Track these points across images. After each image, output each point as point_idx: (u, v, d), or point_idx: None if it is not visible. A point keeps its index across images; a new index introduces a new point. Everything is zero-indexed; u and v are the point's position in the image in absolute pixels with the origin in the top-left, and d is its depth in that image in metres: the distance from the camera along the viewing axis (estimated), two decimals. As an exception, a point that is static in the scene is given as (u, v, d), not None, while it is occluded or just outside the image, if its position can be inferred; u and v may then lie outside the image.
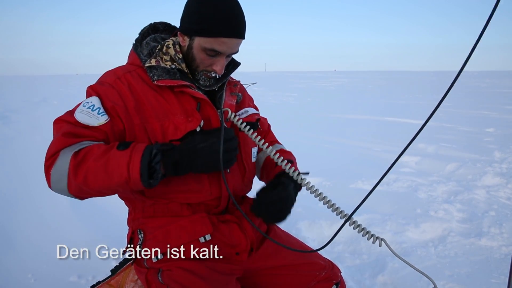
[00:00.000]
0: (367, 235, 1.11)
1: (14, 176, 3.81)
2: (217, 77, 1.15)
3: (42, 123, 7.39)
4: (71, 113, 1.07)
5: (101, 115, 1.04)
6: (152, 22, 1.24)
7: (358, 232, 1.12)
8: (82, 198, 1.04)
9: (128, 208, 1.24)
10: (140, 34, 1.21)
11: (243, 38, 1.10)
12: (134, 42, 1.20)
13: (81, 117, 1.03)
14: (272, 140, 1.45)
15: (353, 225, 1.13)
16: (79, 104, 1.08)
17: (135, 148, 0.97)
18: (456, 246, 2.39)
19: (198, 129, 1.09)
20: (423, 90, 17.47)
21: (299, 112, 9.08)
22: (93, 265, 2.10)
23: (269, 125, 1.47)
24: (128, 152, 0.96)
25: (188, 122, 1.08)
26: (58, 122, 1.07)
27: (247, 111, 1.29)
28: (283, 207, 1.13)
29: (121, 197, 1.22)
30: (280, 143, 1.46)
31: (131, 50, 1.19)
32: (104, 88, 1.09)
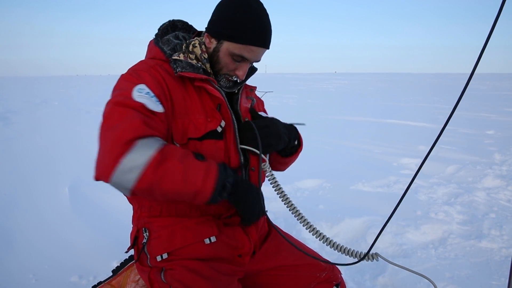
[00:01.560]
0: (363, 257, 1.11)
1: (15, 177, 3.81)
2: (238, 81, 1.17)
3: (43, 124, 7.40)
4: (127, 97, 0.97)
5: (159, 104, 1.01)
6: (171, 19, 1.26)
7: (354, 257, 1.13)
8: (135, 195, 0.95)
9: (133, 207, 1.23)
10: (159, 29, 1.23)
11: (269, 48, 1.14)
12: (154, 37, 1.21)
13: (146, 101, 0.97)
14: None
15: (345, 251, 1.13)
16: (128, 90, 0.98)
17: (211, 163, 0.97)
18: (456, 248, 2.39)
19: (219, 129, 1.10)
20: (423, 92, 17.50)
21: (299, 114, 9.09)
22: (94, 265, 2.10)
23: None
24: (206, 165, 0.95)
25: (208, 122, 1.09)
26: (119, 105, 0.95)
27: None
28: (274, 132, 1.15)
29: (127, 196, 1.22)
30: None
31: (151, 44, 1.20)
32: (144, 77, 1.04)
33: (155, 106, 0.99)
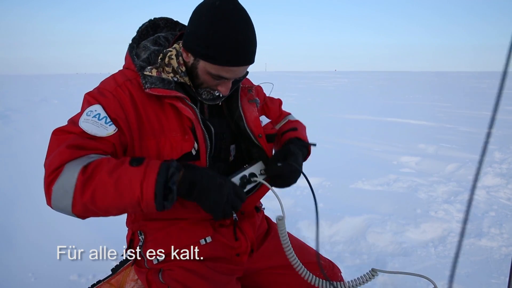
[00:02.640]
0: (365, 281, 1.10)
1: (14, 175, 3.81)
2: (221, 96, 1.10)
3: (43, 123, 7.39)
4: (73, 122, 0.95)
5: (109, 125, 0.95)
6: (152, 18, 1.15)
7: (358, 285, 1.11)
8: (83, 218, 0.92)
9: None
10: (138, 32, 1.13)
11: (252, 63, 1.02)
12: (130, 42, 1.11)
13: (88, 126, 0.93)
14: (281, 113, 1.44)
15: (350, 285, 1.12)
16: (80, 113, 0.97)
17: (149, 165, 0.87)
18: (456, 246, 2.39)
19: (193, 152, 1.03)
20: (423, 91, 17.48)
21: (299, 112, 9.04)
22: (93, 264, 2.09)
23: (280, 103, 1.46)
24: (142, 169, 0.86)
25: (184, 141, 1.02)
26: (58, 133, 0.94)
27: (261, 122, 1.23)
28: (292, 178, 1.12)
29: None
30: (289, 113, 1.46)
31: (127, 52, 1.10)
32: (105, 98, 0.99)
33: (100, 130, 0.94)
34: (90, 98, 1.00)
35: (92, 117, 0.95)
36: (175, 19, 1.20)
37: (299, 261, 1.08)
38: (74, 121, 0.96)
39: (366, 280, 1.10)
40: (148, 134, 1.01)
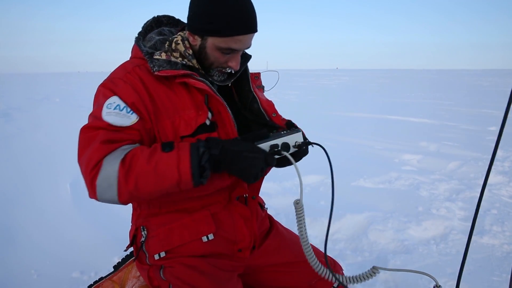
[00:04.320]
0: (366, 278, 1.10)
1: (16, 173, 3.82)
2: (232, 72, 1.14)
3: (44, 121, 7.41)
4: (97, 118, 0.99)
5: (131, 114, 1.00)
6: (156, 16, 1.20)
7: (357, 282, 1.11)
8: (126, 204, 1.00)
9: (132, 205, 1.23)
10: (143, 27, 1.18)
11: (257, 31, 1.06)
12: (136, 36, 1.16)
13: (112, 119, 0.98)
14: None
15: (348, 281, 1.11)
16: (99, 107, 1.01)
17: (180, 148, 0.94)
18: (457, 244, 2.39)
19: (207, 122, 1.06)
20: (425, 88, 17.44)
21: (300, 110, 9.07)
22: (95, 261, 2.11)
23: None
24: (175, 154, 0.93)
25: (198, 116, 1.06)
26: (87, 131, 0.99)
27: None
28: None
29: None
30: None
31: (134, 43, 1.15)
32: (118, 86, 1.03)
33: (125, 120, 0.99)
34: (105, 90, 1.03)
35: (113, 109, 0.99)
36: (176, 17, 1.24)
37: (311, 248, 1.09)
38: (96, 116, 1.00)
39: (367, 277, 1.10)
40: (162, 115, 1.05)
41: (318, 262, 1.08)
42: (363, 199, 3.08)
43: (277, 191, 3.28)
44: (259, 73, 1.31)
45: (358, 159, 4.47)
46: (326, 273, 1.08)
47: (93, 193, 0.94)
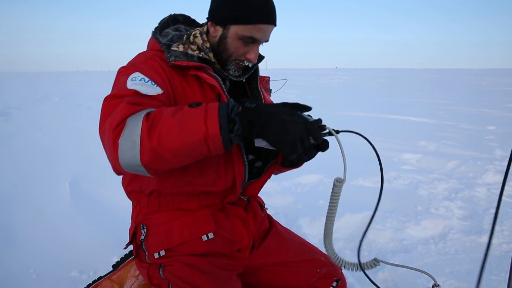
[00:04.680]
0: (368, 267, 1.11)
1: (15, 172, 3.81)
2: (249, 66, 1.15)
3: (43, 120, 7.40)
4: (121, 88, 0.97)
5: (156, 86, 0.99)
6: (172, 14, 1.24)
7: (356, 270, 1.12)
8: (152, 171, 0.90)
9: (132, 203, 1.23)
10: (159, 23, 1.21)
11: (276, 25, 1.11)
12: (153, 30, 1.18)
13: (139, 87, 0.96)
14: None
15: (351, 267, 1.12)
16: (123, 83, 0.99)
17: (209, 104, 0.88)
18: (456, 243, 2.39)
19: None
20: (424, 88, 17.45)
21: (300, 110, 9.05)
22: (94, 260, 2.11)
23: None
24: (202, 108, 0.86)
25: None
26: (111, 99, 0.97)
27: None
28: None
29: (126, 191, 1.22)
30: None
31: (150, 37, 1.18)
32: (140, 68, 1.03)
33: (151, 89, 0.97)
34: (127, 69, 1.04)
35: (139, 80, 0.98)
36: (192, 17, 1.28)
37: (332, 230, 1.12)
38: (121, 87, 0.98)
39: (367, 268, 1.11)
40: (178, 102, 1.06)
41: (332, 245, 1.11)
42: (362, 198, 3.08)
43: (276, 190, 3.28)
44: (268, 77, 1.33)
45: (357, 158, 4.47)
46: (337, 259, 1.12)
47: (115, 156, 0.87)
